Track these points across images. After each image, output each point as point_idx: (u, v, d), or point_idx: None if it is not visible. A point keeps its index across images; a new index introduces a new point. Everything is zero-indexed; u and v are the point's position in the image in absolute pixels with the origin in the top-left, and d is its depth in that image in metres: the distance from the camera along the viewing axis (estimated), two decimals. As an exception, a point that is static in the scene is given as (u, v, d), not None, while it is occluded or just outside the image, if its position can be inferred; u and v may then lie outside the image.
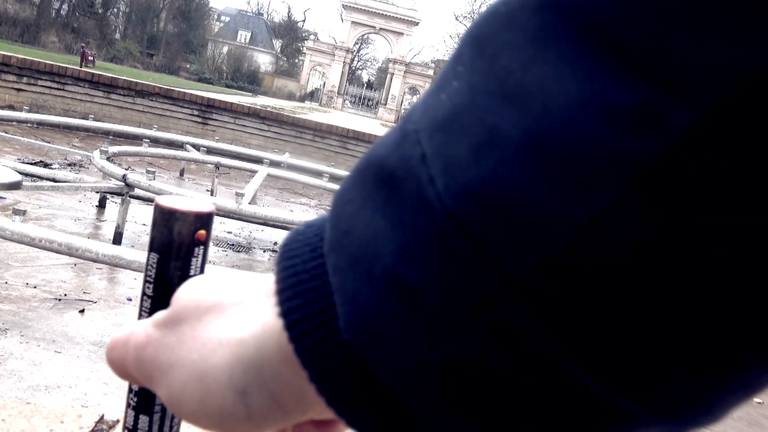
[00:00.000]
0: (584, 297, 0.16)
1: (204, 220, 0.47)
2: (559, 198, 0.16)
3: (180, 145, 6.25)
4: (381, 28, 50.96)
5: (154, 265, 0.46)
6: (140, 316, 0.48)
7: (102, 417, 0.66)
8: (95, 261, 2.47)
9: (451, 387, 0.18)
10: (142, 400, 0.46)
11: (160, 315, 0.27)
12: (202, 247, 0.48)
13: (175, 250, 0.46)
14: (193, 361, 0.23)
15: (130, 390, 0.48)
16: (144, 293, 0.48)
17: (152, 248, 0.47)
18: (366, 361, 0.19)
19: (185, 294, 0.27)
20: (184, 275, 0.47)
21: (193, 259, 0.47)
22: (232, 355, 0.22)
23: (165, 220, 0.46)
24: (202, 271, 0.50)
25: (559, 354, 0.16)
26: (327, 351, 0.20)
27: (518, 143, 0.16)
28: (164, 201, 0.47)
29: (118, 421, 0.65)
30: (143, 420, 0.47)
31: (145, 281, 0.47)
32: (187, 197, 0.51)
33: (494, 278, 0.16)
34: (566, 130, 0.16)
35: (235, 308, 0.24)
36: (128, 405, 0.50)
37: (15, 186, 1.50)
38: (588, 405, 0.17)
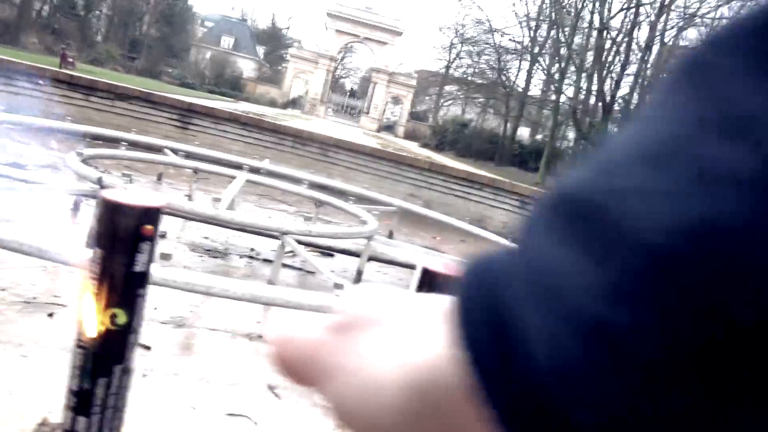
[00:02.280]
0: None
1: (151, 215, 0.47)
2: None
3: (159, 149, 6.19)
4: (365, 38, 51.14)
5: (98, 261, 0.46)
6: (84, 316, 0.48)
7: (45, 420, 0.65)
8: (65, 264, 2.43)
9: None
10: (81, 402, 0.46)
11: (332, 320, 0.27)
12: (149, 242, 0.47)
13: (120, 245, 0.45)
14: (366, 375, 0.24)
15: (70, 391, 0.47)
16: (86, 289, 0.47)
17: (96, 243, 0.47)
18: (561, 407, 0.18)
19: (360, 303, 0.27)
20: (129, 272, 0.46)
21: (139, 255, 0.47)
22: (407, 378, 0.22)
23: (109, 213, 0.45)
24: (148, 269, 0.49)
25: None
26: (516, 392, 0.19)
27: (745, 177, 0.15)
28: (109, 194, 0.47)
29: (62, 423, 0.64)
30: (82, 421, 0.47)
31: (89, 277, 0.46)
32: (136, 191, 0.50)
33: (719, 325, 0.15)
34: None
35: (411, 329, 0.24)
36: (67, 406, 0.49)
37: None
38: None
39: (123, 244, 0.45)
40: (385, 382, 0.23)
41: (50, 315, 2.71)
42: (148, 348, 2.63)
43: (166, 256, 2.43)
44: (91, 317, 0.45)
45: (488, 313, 0.20)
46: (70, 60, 23.93)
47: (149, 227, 0.45)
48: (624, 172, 0.18)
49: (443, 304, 0.23)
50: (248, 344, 3.00)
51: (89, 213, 4.10)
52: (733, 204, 0.15)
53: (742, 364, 0.15)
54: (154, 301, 3.12)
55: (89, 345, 0.47)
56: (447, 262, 0.48)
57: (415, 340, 0.23)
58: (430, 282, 0.48)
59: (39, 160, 5.86)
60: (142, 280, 0.46)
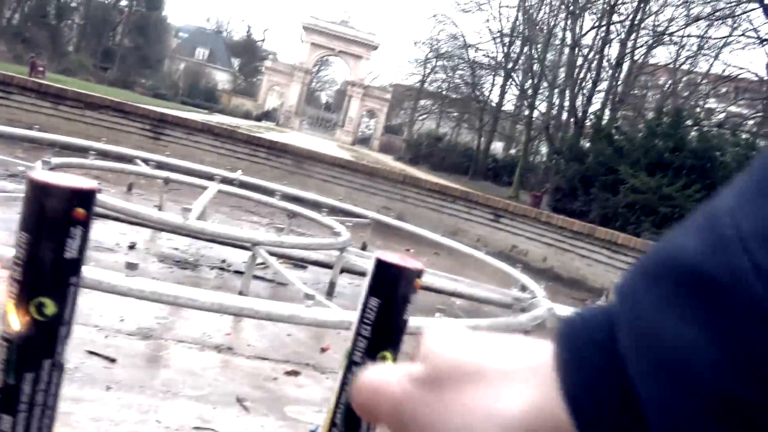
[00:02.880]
0: None
1: (83, 198, 0.44)
2: None
3: (129, 160, 6.10)
4: (340, 51, 51.30)
5: (25, 246, 0.43)
6: (9, 306, 0.45)
7: None
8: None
9: None
10: (6, 399, 0.43)
11: (418, 371, 0.27)
12: (80, 227, 0.45)
13: (48, 229, 0.43)
14: (458, 427, 0.24)
15: None
16: (11, 277, 0.45)
17: (22, 227, 0.44)
18: None
19: (443, 353, 0.26)
20: (59, 258, 0.44)
21: (70, 241, 0.44)
22: (501, 430, 0.23)
23: (37, 195, 0.43)
24: (81, 255, 0.46)
25: None
26: None
27: None
28: (38, 175, 0.44)
29: None
30: (6, 420, 0.44)
31: (14, 263, 0.44)
32: (68, 174, 0.47)
33: None
34: None
35: (500, 380, 0.24)
36: None
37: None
38: None
39: (52, 229, 0.42)
40: None
41: (11, 326, 2.64)
42: (113, 360, 2.56)
43: (132, 266, 2.38)
44: (16, 307, 0.42)
45: (589, 374, 0.20)
46: (40, 69, 23.57)
47: (81, 211, 0.42)
48: (746, 247, 0.18)
49: (533, 356, 0.24)
50: (217, 356, 2.95)
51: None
52: None
53: None
54: (120, 312, 3.06)
55: (14, 337, 0.44)
56: (402, 255, 0.47)
57: (513, 392, 0.23)
58: (384, 275, 0.47)
59: (5, 170, 5.73)
60: (73, 267, 0.43)
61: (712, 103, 29.37)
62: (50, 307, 0.46)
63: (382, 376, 0.28)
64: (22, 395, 0.45)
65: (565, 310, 4.74)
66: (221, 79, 56.61)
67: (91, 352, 2.56)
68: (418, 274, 0.47)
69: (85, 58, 41.83)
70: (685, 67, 28.03)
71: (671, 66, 28.22)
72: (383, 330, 0.47)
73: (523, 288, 4.90)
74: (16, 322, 0.44)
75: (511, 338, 0.26)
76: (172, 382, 2.54)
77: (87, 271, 2.30)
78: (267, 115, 52.30)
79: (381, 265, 0.44)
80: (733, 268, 0.18)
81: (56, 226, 0.43)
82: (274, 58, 54.96)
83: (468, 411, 0.24)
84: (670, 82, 29.67)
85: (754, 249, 0.18)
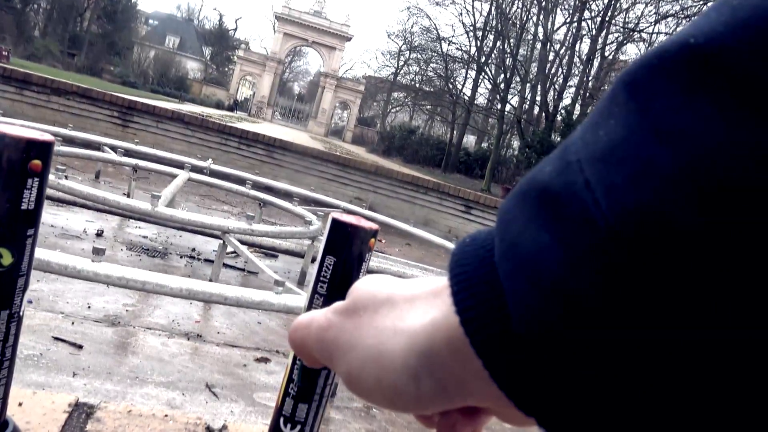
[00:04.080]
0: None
1: (40, 149, 0.45)
2: (707, 224, 0.19)
3: (97, 147, 5.99)
4: (313, 41, 50.94)
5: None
6: None
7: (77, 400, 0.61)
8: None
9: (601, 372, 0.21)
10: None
11: (340, 303, 0.31)
12: (37, 179, 0.45)
13: (5, 179, 0.43)
14: (370, 345, 0.28)
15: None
16: None
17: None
18: (535, 349, 0.22)
19: (362, 287, 0.31)
20: (15, 209, 0.44)
21: (27, 192, 0.44)
22: (406, 344, 0.27)
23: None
24: (37, 207, 0.46)
25: None
26: (501, 343, 0.23)
27: (672, 175, 0.20)
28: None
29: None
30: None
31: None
32: (24, 127, 0.47)
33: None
34: (714, 167, 0.19)
35: (407, 303, 0.28)
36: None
37: None
38: None
39: (8, 179, 0.43)
40: (388, 350, 0.27)
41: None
42: (80, 347, 2.53)
43: (99, 252, 2.34)
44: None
45: (472, 283, 0.25)
46: (5, 54, 22.96)
47: (38, 162, 0.43)
48: (582, 168, 0.22)
49: (436, 283, 0.28)
50: (186, 343, 2.92)
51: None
52: (658, 194, 0.20)
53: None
54: (87, 299, 3.01)
55: None
56: (356, 216, 0.49)
57: (416, 312, 0.27)
58: (340, 233, 0.49)
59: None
60: (30, 218, 0.43)
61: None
62: (7, 258, 0.45)
63: (311, 314, 0.32)
64: None
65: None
66: (192, 67, 55.81)
67: (58, 339, 2.52)
68: (373, 234, 0.49)
69: (52, 44, 40.85)
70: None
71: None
72: (339, 287, 0.49)
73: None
74: None
75: (424, 277, 0.30)
76: (140, 368, 2.52)
77: (53, 256, 2.26)
78: (239, 105, 51.73)
79: (336, 225, 0.46)
80: (570, 184, 0.22)
81: (13, 177, 0.43)
82: (247, 47, 54.35)
83: (379, 331, 0.28)
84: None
85: (586, 168, 0.22)
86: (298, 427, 0.53)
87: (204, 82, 54.72)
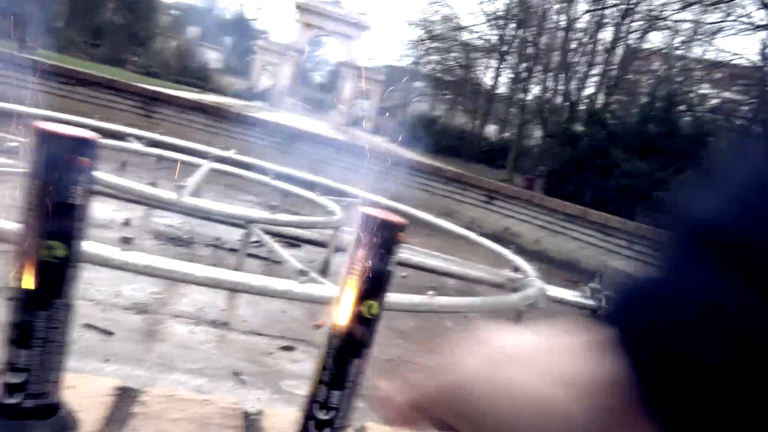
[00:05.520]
0: None
1: (86, 146, 0.46)
2: None
3: (122, 137, 6.06)
4: (333, 31, 50.86)
5: (33, 193, 0.45)
6: (24, 241, 0.46)
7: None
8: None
9: None
10: (22, 335, 0.45)
11: (480, 356, 0.32)
12: (84, 174, 0.46)
13: (55, 176, 0.45)
14: (526, 402, 0.28)
15: (11, 325, 0.47)
16: (23, 222, 0.47)
17: (31, 174, 0.46)
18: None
19: (502, 340, 0.31)
20: (66, 203, 0.46)
21: (74, 187, 0.46)
22: (580, 389, 0.27)
23: (43, 143, 0.45)
24: (86, 202, 0.48)
25: None
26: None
27: None
28: (44, 124, 0.46)
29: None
30: (23, 353, 0.47)
31: (26, 210, 0.46)
32: (71, 126, 0.49)
33: None
34: None
35: (558, 353, 0.29)
36: (9, 340, 0.49)
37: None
38: None
39: (57, 176, 0.45)
40: (557, 398, 0.27)
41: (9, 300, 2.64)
42: (110, 333, 2.57)
43: (127, 241, 2.38)
44: (29, 249, 0.45)
45: (655, 334, 0.25)
46: (31, 45, 23.25)
47: (85, 158, 0.44)
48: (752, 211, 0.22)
49: (575, 335, 0.28)
50: (212, 331, 2.96)
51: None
52: None
53: None
54: (116, 287, 3.06)
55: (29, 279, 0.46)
56: (385, 209, 0.50)
57: (571, 361, 0.28)
58: (370, 227, 0.51)
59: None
60: (79, 212, 0.45)
61: (706, 88, 29.39)
62: (60, 250, 0.47)
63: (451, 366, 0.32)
64: (37, 332, 0.47)
65: (556, 291, 4.79)
66: (213, 57, 56.07)
67: (89, 325, 2.57)
68: (402, 227, 0.51)
69: (75, 35, 41.28)
70: (679, 52, 27.99)
71: (665, 51, 28.18)
72: (369, 280, 0.51)
73: (516, 269, 4.93)
74: (30, 263, 0.46)
75: (542, 329, 0.31)
76: (168, 355, 2.56)
77: (84, 245, 2.30)
78: (259, 95, 51.91)
79: (367, 218, 0.48)
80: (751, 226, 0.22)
81: (62, 174, 0.45)
82: (267, 37, 54.43)
83: (534, 388, 0.28)
84: (663, 67, 29.66)
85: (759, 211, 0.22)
86: (333, 412, 0.55)
87: (224, 72, 54.96)
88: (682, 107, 15.71)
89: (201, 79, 47.34)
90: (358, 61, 51.73)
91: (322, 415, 0.56)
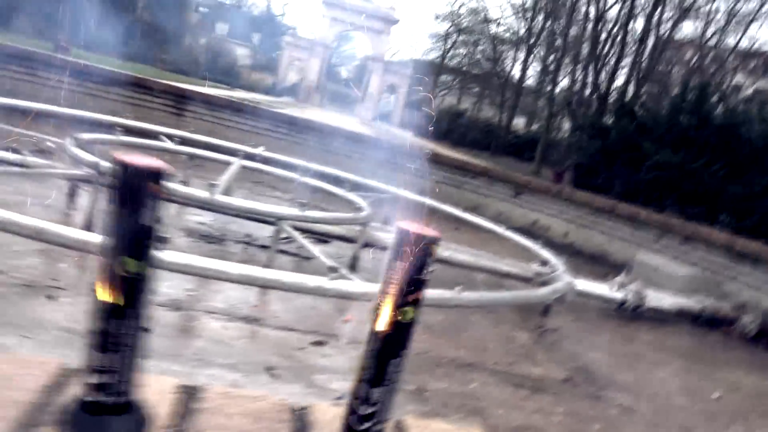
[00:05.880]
0: None
1: (156, 175, 0.52)
2: None
3: (154, 135, 6.20)
4: (360, 26, 50.86)
5: (115, 216, 0.51)
6: (103, 249, 0.53)
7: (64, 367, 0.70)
8: (66, 246, 2.47)
9: None
10: (104, 341, 0.52)
11: None
12: (154, 199, 0.53)
13: (128, 201, 0.51)
14: None
15: (94, 332, 0.53)
16: (105, 243, 0.53)
17: (112, 199, 0.53)
18: None
19: None
20: (138, 225, 0.52)
21: (147, 211, 0.52)
22: None
23: (122, 172, 0.51)
24: (154, 224, 0.54)
25: None
26: None
27: None
28: (122, 156, 0.53)
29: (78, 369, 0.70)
30: (105, 357, 0.53)
31: (106, 232, 0.52)
32: (144, 156, 0.55)
33: None
34: None
35: None
36: (91, 345, 0.55)
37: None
38: None
39: (131, 201, 0.52)
40: None
41: (49, 297, 2.74)
42: (147, 330, 2.66)
43: (162, 240, 2.46)
44: (109, 266, 0.52)
45: None
46: (64, 45, 23.73)
47: (155, 185, 0.51)
48: None
49: None
50: (245, 327, 3.04)
51: (86, 197, 4.13)
52: None
53: None
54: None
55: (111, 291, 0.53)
56: (421, 224, 0.56)
57: None
58: (406, 240, 0.57)
59: (35, 146, 5.85)
60: (149, 232, 0.52)
61: (739, 78, 28.70)
62: (132, 265, 0.53)
63: None
64: (117, 338, 0.53)
65: (584, 284, 4.78)
66: (241, 54, 56.47)
67: (127, 321, 2.67)
68: (435, 241, 0.57)
69: (107, 34, 41.98)
70: (712, 42, 27.34)
71: (697, 41, 27.56)
72: (406, 291, 0.57)
73: (544, 262, 4.94)
74: (112, 278, 0.52)
75: None
76: (203, 350, 2.64)
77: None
78: (287, 91, 52.20)
79: (403, 232, 0.53)
80: None
81: (135, 199, 0.51)
82: (294, 33, 54.64)
83: None
84: (696, 57, 28.99)
85: None
86: (373, 407, 0.61)
87: (253, 68, 55.37)
88: (714, 98, 15.39)
89: (229, 75, 47.80)
90: (385, 55, 51.67)
91: (363, 410, 0.61)
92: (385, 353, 0.61)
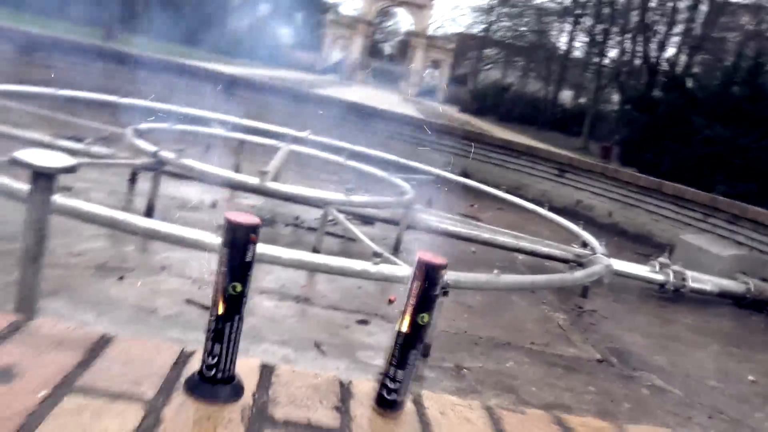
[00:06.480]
0: None
1: (255, 228, 0.74)
2: None
3: (206, 122, 6.47)
4: (401, 1, 50.47)
5: (226, 255, 0.74)
6: (217, 275, 0.75)
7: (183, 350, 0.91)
8: (135, 234, 2.72)
9: None
10: (217, 336, 0.73)
11: None
12: (254, 244, 0.74)
13: (237, 248, 0.73)
14: None
15: (210, 330, 0.75)
16: (219, 271, 0.75)
17: (224, 244, 0.75)
18: None
19: None
20: (243, 261, 0.74)
21: (249, 252, 0.74)
22: None
23: (232, 228, 0.73)
24: (253, 258, 0.76)
25: None
26: None
27: None
28: (231, 216, 0.74)
29: (194, 351, 0.92)
30: (217, 346, 0.75)
31: (220, 264, 0.74)
32: (244, 213, 0.75)
33: None
34: None
35: None
36: (208, 338, 0.76)
37: (71, 170, 1.72)
38: None
39: (240, 247, 0.76)
40: None
41: (120, 278, 3.01)
42: (207, 308, 2.91)
43: (220, 228, 2.68)
44: (223, 288, 0.75)
45: None
46: (113, 34, 24.44)
47: (254, 236, 0.74)
48: None
49: None
50: (295, 306, 3.26)
51: (145, 184, 4.41)
52: None
53: None
54: (209, 266, 3.41)
55: (217, 304, 0.76)
56: (438, 256, 0.79)
57: None
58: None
59: (96, 134, 6.20)
60: (249, 266, 0.76)
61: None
62: (239, 287, 0.75)
63: None
64: (225, 335, 0.75)
65: (623, 266, 4.84)
66: (284, 33, 56.79)
67: (190, 301, 2.92)
68: (443, 267, 0.80)
69: (153, 18, 42.83)
70: (771, 6, 26.15)
71: (755, 4, 26.38)
72: (420, 302, 0.81)
73: (584, 244, 5.01)
74: (223, 297, 0.74)
75: None
76: (257, 327, 2.87)
77: (184, 232, 2.60)
78: (331, 69, 52.40)
79: (419, 263, 0.76)
80: None
81: (242, 246, 0.74)
82: (337, 10, 54.62)
83: None
84: (753, 23, 27.80)
85: None
86: (398, 384, 0.84)
87: (296, 47, 55.69)
88: (770, 68, 14.84)
89: (274, 55, 48.23)
90: (428, 30, 51.24)
91: (391, 386, 0.85)
92: (407, 346, 0.88)
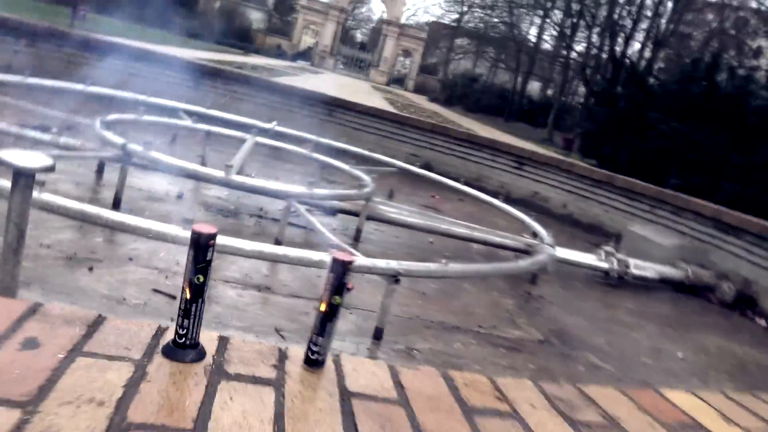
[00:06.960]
0: None
1: (213, 236, 0.98)
2: None
3: (173, 111, 6.59)
4: (375, -11, 50.33)
5: (192, 255, 0.99)
6: (186, 270, 0.99)
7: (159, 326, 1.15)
8: (105, 226, 2.89)
9: None
10: (185, 313, 0.99)
11: None
12: (212, 248, 0.99)
13: (201, 248, 0.98)
14: None
15: (181, 309, 1.00)
16: (187, 267, 0.99)
17: (190, 247, 0.99)
18: None
19: None
20: (205, 259, 0.99)
21: (208, 253, 0.98)
22: None
23: (197, 236, 0.98)
24: (212, 258, 0.99)
25: None
26: None
27: None
28: (197, 227, 0.98)
29: (168, 327, 1.17)
30: (185, 321, 1.01)
31: (187, 261, 0.98)
32: (207, 225, 0.99)
33: None
34: None
35: None
36: (179, 315, 1.01)
37: (50, 169, 1.90)
38: None
39: (202, 248, 1.04)
40: None
41: (90, 269, 3.18)
42: (173, 297, 3.10)
43: (188, 221, 2.87)
44: (189, 282, 1.03)
45: None
46: (82, 12, 24.02)
47: (212, 241, 1.01)
48: None
49: None
50: (257, 294, 3.47)
51: (112, 175, 4.55)
52: None
53: None
54: (176, 256, 3.59)
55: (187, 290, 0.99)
56: (349, 253, 1.08)
57: None
58: (338, 268, 1.10)
59: (61, 123, 6.26)
60: (210, 262, 1.03)
61: (761, 41, 28.28)
62: (201, 278, 1.04)
63: None
64: (191, 313, 1.00)
65: (569, 254, 5.15)
66: (255, 18, 56.25)
67: (156, 290, 3.11)
68: (350, 263, 1.09)
69: (123, 0, 42.01)
70: (735, 2, 26.87)
71: (719, 1, 27.09)
72: (334, 288, 1.10)
73: (534, 234, 5.31)
74: (189, 286, 0.98)
75: None
76: (222, 315, 3.07)
77: (153, 225, 2.79)
78: (302, 55, 52.12)
79: (335, 260, 1.01)
80: None
81: (204, 248, 0.99)
82: (309, -4, 54.23)
83: None
84: (717, 20, 28.53)
85: None
86: (320, 347, 1.13)
87: (267, 32, 55.22)
88: (734, 64, 15.38)
89: (243, 40, 47.81)
90: (400, 19, 51.28)
91: (315, 348, 1.15)
92: (326, 319, 1.20)
